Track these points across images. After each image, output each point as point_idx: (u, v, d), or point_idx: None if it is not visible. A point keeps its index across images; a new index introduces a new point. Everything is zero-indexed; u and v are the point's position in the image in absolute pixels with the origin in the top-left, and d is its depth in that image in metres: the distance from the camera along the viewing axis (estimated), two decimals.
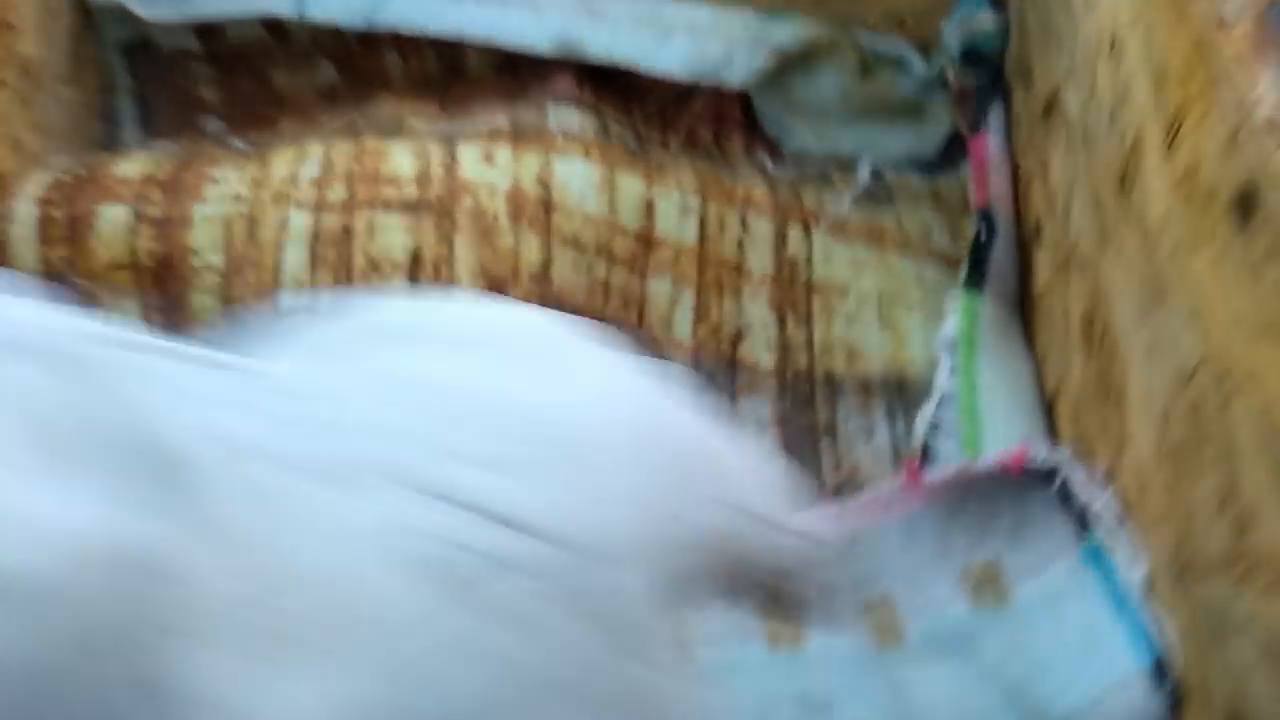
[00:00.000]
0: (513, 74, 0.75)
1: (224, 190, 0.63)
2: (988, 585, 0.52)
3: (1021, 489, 0.52)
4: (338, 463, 0.27)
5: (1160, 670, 0.44)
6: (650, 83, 0.70)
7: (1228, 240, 0.39)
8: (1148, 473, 0.47)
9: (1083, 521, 0.50)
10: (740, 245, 0.64)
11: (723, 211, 0.64)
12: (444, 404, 0.29)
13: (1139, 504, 0.48)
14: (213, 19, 0.70)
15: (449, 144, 0.64)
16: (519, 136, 0.64)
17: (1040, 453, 0.52)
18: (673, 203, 0.63)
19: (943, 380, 0.60)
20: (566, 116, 0.67)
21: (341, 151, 0.64)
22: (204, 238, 0.61)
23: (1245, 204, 0.38)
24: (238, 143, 0.69)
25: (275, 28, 0.72)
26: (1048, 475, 0.52)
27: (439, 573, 0.26)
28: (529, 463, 0.28)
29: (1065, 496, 0.51)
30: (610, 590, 0.28)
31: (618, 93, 0.73)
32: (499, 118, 0.67)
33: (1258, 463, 0.37)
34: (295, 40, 0.74)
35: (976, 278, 0.62)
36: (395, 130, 0.67)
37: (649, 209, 0.63)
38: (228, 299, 0.60)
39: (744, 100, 0.74)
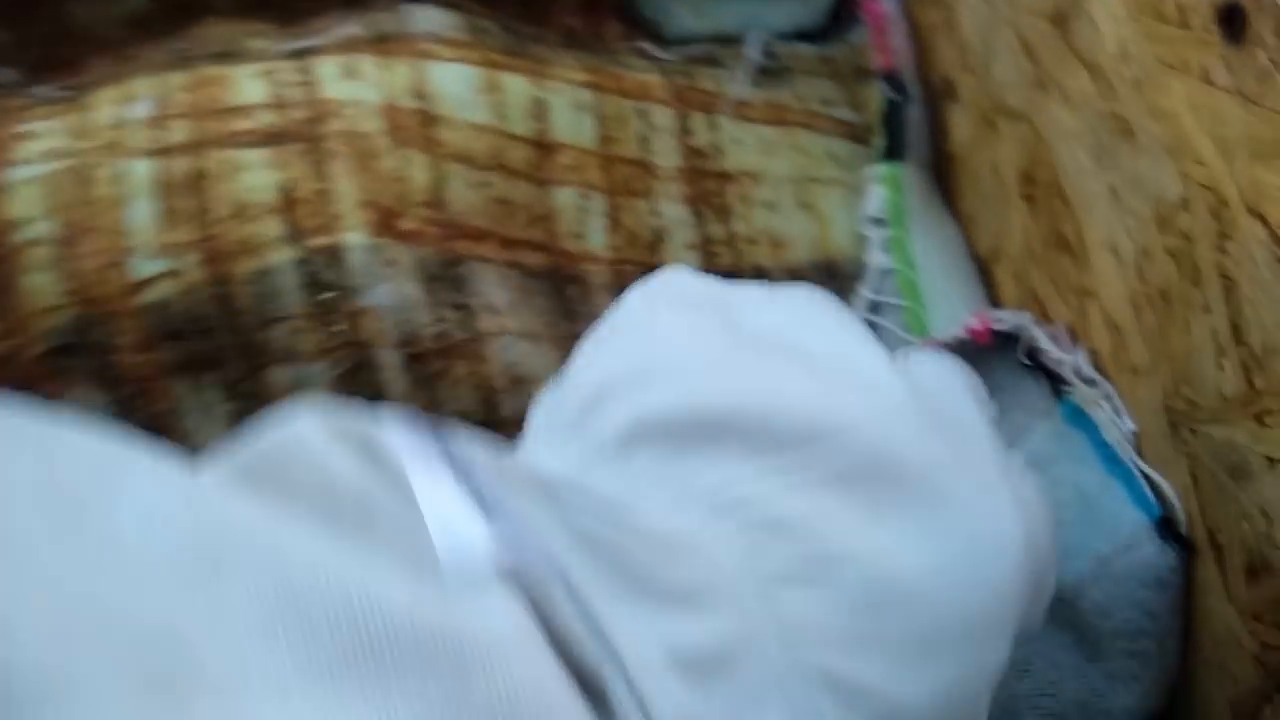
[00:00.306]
0: None
1: (39, 147, 0.53)
2: None
3: (984, 359, 0.50)
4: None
5: (1167, 522, 0.43)
6: None
7: (1212, 62, 0.37)
8: (1123, 323, 0.45)
9: (1056, 382, 0.48)
10: (644, 140, 0.58)
11: (619, 106, 0.58)
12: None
13: (1115, 357, 0.46)
14: None
15: (300, 61, 0.56)
16: (381, 44, 0.56)
17: (1003, 317, 0.49)
18: (565, 100, 0.57)
19: (875, 257, 0.57)
20: (429, 16, 0.59)
21: (175, 84, 0.55)
22: (26, 205, 0.52)
23: (1233, 19, 0.35)
24: (45, 90, 0.59)
25: None
26: (1009, 341, 0.49)
27: None
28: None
29: (1032, 359, 0.49)
30: None
31: None
32: (350, 26, 0.59)
33: (1270, 296, 0.35)
34: None
35: (895, 146, 0.59)
36: (231, 54, 0.58)
37: (540, 110, 0.57)
38: (70, 275, 0.51)
39: None
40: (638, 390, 0.31)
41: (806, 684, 0.27)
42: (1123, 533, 0.43)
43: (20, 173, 0.52)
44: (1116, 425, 0.46)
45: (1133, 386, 0.45)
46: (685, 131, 0.59)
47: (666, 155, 0.58)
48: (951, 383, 0.37)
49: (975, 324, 0.48)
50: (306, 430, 0.24)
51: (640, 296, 0.38)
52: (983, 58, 0.54)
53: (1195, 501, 0.41)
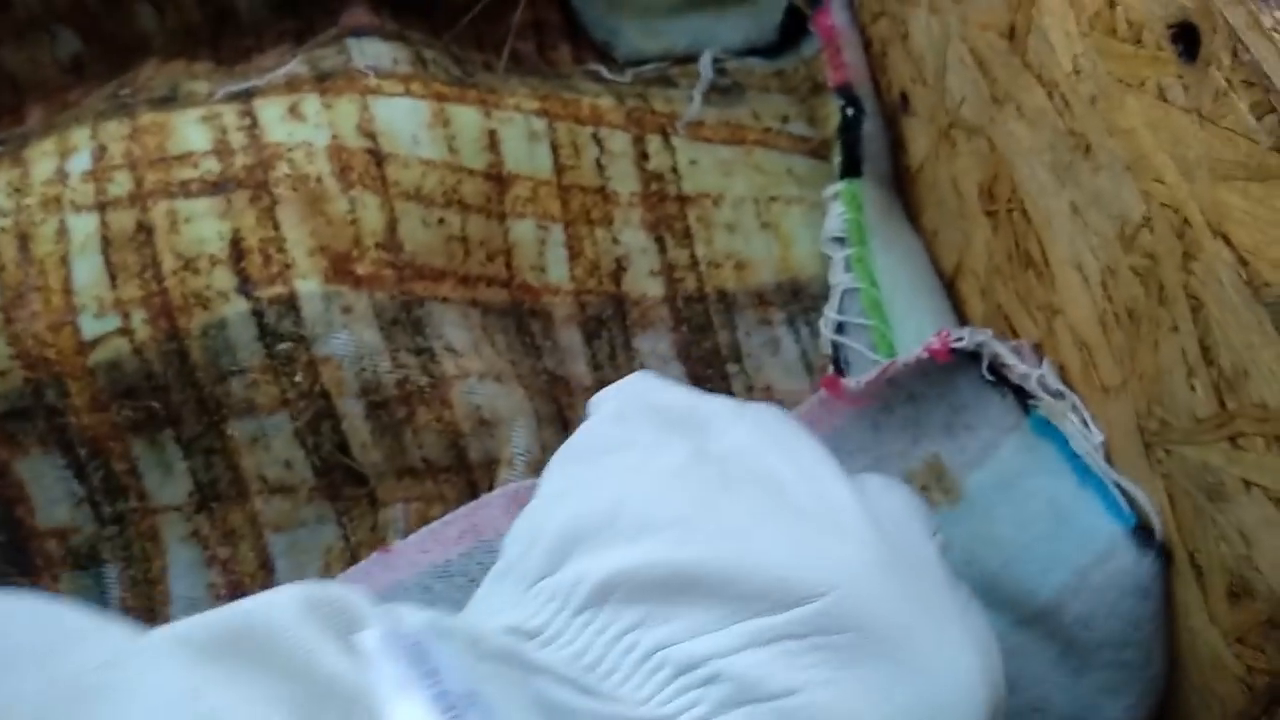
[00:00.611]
0: (293, 11, 0.65)
1: None
2: (934, 484, 0.49)
3: (948, 377, 0.49)
4: None
5: (1143, 530, 0.42)
6: None
7: (1168, 80, 0.36)
8: (1090, 341, 0.45)
9: (1021, 398, 0.48)
10: (600, 166, 0.57)
11: (573, 132, 0.57)
12: None
13: (1085, 375, 0.45)
14: None
15: (243, 104, 0.54)
16: (324, 82, 0.55)
17: (963, 335, 0.49)
18: (517, 130, 0.56)
19: (838, 276, 0.56)
20: (372, 50, 0.58)
21: (113, 133, 0.53)
22: None
23: (1188, 36, 0.35)
24: None
25: None
26: (973, 358, 0.49)
27: None
28: None
29: (996, 376, 0.48)
30: None
31: (420, 15, 0.65)
32: (293, 64, 0.58)
33: (1239, 318, 0.35)
34: (21, 6, 0.62)
35: (851, 161, 0.58)
36: (170, 99, 0.57)
37: (492, 141, 0.56)
38: (14, 337, 0.49)
39: (563, 5, 0.67)
40: (607, 543, 0.30)
41: None
42: (1099, 543, 0.43)
43: None
44: (1086, 437, 0.45)
45: (1104, 405, 0.44)
46: (642, 156, 0.58)
47: (624, 181, 0.57)
48: (906, 514, 0.37)
49: (935, 344, 0.47)
50: (283, 607, 0.24)
51: (611, 415, 0.37)
52: (937, 72, 0.54)
53: (1173, 523, 0.41)
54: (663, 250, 0.57)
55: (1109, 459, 0.45)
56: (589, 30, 0.67)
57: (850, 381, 0.49)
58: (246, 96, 0.55)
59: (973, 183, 0.52)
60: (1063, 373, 0.47)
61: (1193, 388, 0.38)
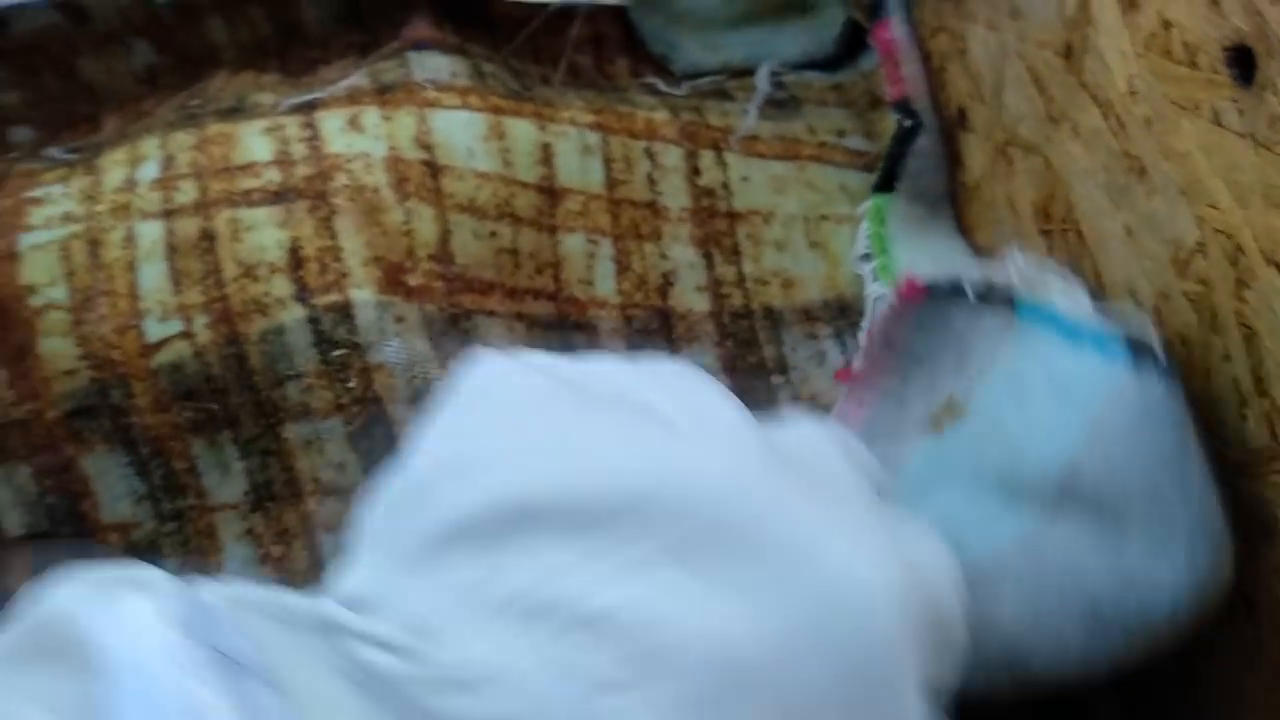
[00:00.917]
0: (359, 24, 0.66)
1: (52, 211, 0.54)
2: (945, 414, 0.48)
3: (943, 321, 0.48)
4: None
5: (1142, 350, 0.40)
6: (517, 11, 0.63)
7: (1223, 104, 0.35)
8: None
9: (1009, 302, 0.46)
10: (651, 181, 0.58)
11: (626, 146, 0.58)
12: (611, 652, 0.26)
13: None
14: None
15: (305, 115, 0.56)
16: (385, 95, 0.56)
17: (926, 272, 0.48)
18: (571, 144, 0.57)
19: (869, 287, 0.57)
20: (432, 63, 0.59)
21: (181, 144, 0.55)
22: (39, 271, 0.52)
23: (1244, 60, 0.34)
24: (56, 152, 0.60)
25: (71, 9, 0.62)
26: (959, 293, 0.48)
27: None
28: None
29: (984, 297, 0.47)
30: None
31: (482, 28, 0.66)
32: (355, 76, 0.59)
33: None
34: (99, 20, 0.64)
35: (887, 177, 0.58)
36: (237, 110, 0.58)
37: (546, 155, 0.56)
38: (83, 338, 0.51)
39: (622, 19, 0.67)
40: (452, 488, 0.29)
41: None
42: (1100, 385, 0.40)
43: (33, 238, 0.53)
44: (1068, 292, 0.43)
45: None
46: (694, 171, 0.58)
47: (675, 196, 0.57)
48: (822, 442, 0.35)
49: (899, 287, 0.47)
50: (64, 599, 0.25)
51: (490, 368, 0.36)
52: (994, 88, 0.53)
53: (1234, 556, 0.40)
54: (710, 266, 0.57)
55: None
56: (647, 43, 0.67)
57: (854, 360, 0.49)
58: (309, 108, 0.56)
59: (1028, 201, 0.52)
60: None
61: (1244, 418, 0.37)
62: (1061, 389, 0.42)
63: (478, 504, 0.29)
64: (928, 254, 0.57)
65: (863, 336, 0.56)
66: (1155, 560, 0.39)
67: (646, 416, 0.31)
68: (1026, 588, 0.39)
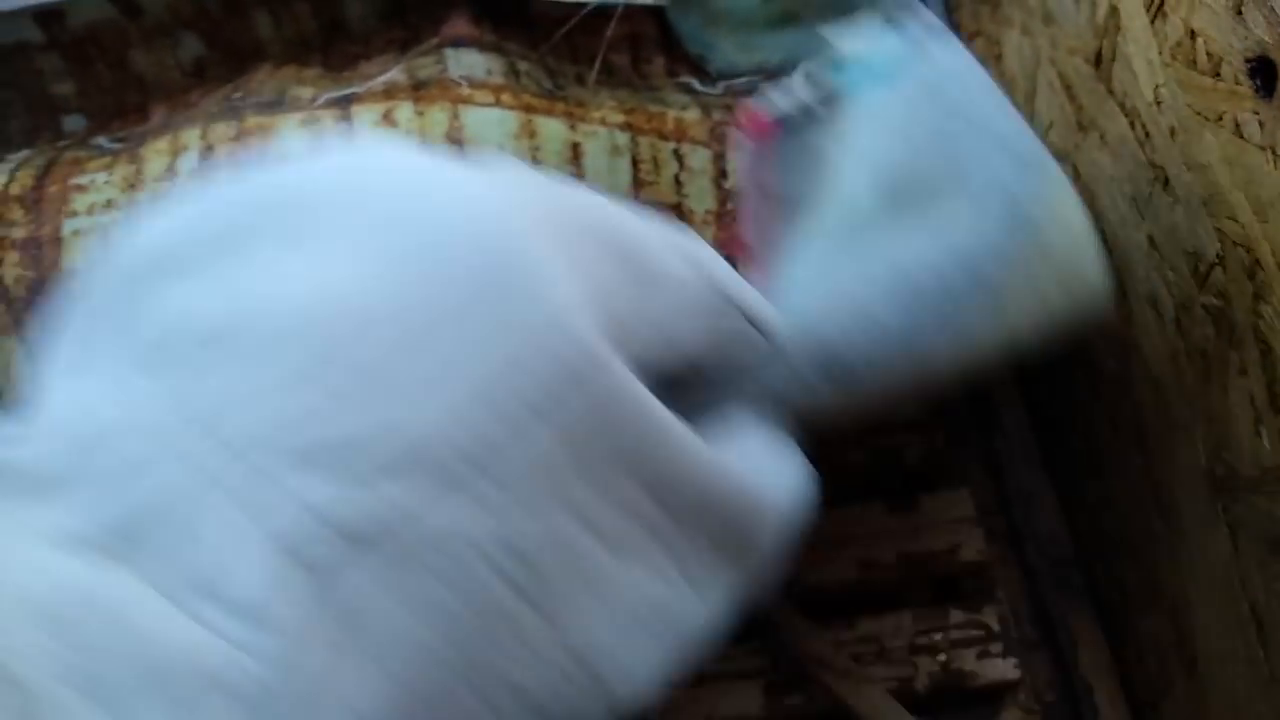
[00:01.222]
0: (401, 20, 0.67)
1: (95, 198, 0.55)
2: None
3: (799, 145, 0.50)
4: None
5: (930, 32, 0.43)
6: (556, 10, 0.63)
7: (1245, 115, 0.35)
8: (1163, 377, 0.43)
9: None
10: (679, 183, 0.58)
11: (655, 147, 0.58)
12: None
13: (1158, 412, 0.44)
14: (50, 2, 0.62)
15: (341, 109, 0.57)
16: (419, 91, 0.57)
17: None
18: (600, 143, 0.57)
19: None
20: (468, 60, 0.60)
21: (221, 135, 0.57)
22: (81, 256, 0.54)
23: (1266, 72, 0.33)
24: (104, 140, 0.61)
25: (124, 3, 0.63)
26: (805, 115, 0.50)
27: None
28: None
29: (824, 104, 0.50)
30: None
31: (520, 26, 0.66)
32: (393, 72, 0.60)
33: None
34: (150, 13, 0.66)
35: None
36: (277, 103, 0.60)
37: (575, 154, 0.57)
38: None
39: (659, 18, 0.67)
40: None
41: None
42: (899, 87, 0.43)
43: (76, 223, 0.54)
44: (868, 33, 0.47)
45: (1172, 446, 0.43)
46: (720, 174, 0.58)
47: (700, 199, 0.57)
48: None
49: (744, 123, 0.49)
50: None
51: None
52: (1027, 95, 0.53)
53: (1235, 572, 0.39)
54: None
55: None
56: (684, 43, 0.68)
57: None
58: (345, 103, 0.57)
59: None
60: (1136, 409, 0.46)
61: (1259, 434, 0.36)
62: (872, 115, 0.45)
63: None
64: None
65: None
66: (978, 220, 0.41)
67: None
68: (886, 289, 0.42)
